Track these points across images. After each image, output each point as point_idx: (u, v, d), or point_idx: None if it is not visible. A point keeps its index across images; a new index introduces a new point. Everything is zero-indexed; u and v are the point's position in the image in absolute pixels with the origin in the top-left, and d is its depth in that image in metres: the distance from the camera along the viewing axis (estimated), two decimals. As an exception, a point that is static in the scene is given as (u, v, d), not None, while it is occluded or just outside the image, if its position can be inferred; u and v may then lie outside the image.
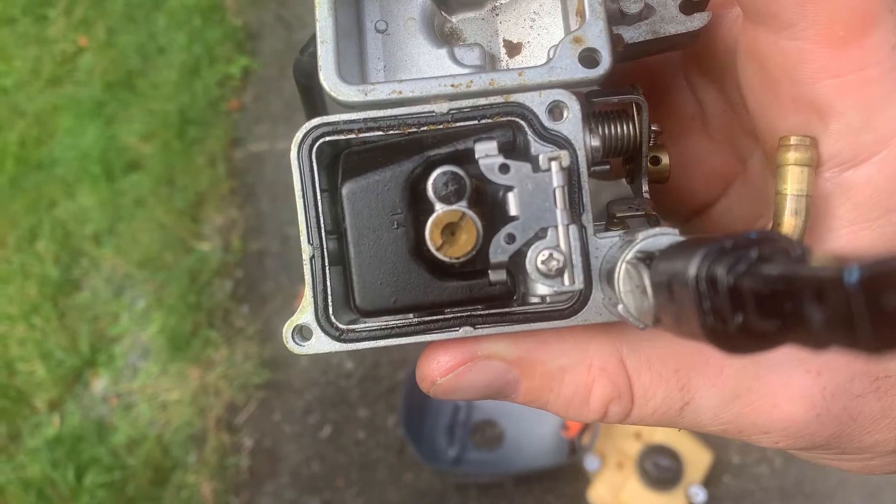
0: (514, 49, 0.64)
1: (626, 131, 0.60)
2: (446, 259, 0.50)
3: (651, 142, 0.61)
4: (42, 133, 3.56)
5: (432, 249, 0.50)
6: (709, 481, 2.72)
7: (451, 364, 0.57)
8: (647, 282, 0.43)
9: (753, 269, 0.32)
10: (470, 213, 0.49)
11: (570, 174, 0.53)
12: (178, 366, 3.10)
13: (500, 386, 0.58)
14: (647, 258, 0.45)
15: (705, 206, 0.72)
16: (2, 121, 3.61)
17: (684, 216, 0.76)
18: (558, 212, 0.50)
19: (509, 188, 0.51)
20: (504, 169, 0.51)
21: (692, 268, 0.34)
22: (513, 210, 0.51)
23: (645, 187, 0.62)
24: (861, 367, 0.54)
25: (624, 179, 0.67)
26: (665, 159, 0.64)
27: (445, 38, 0.65)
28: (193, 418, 3.03)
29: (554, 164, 0.50)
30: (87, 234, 3.33)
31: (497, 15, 0.65)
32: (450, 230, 0.49)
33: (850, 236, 0.51)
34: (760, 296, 0.31)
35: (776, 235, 0.34)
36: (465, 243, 0.49)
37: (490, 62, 0.63)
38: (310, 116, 0.57)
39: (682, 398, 0.56)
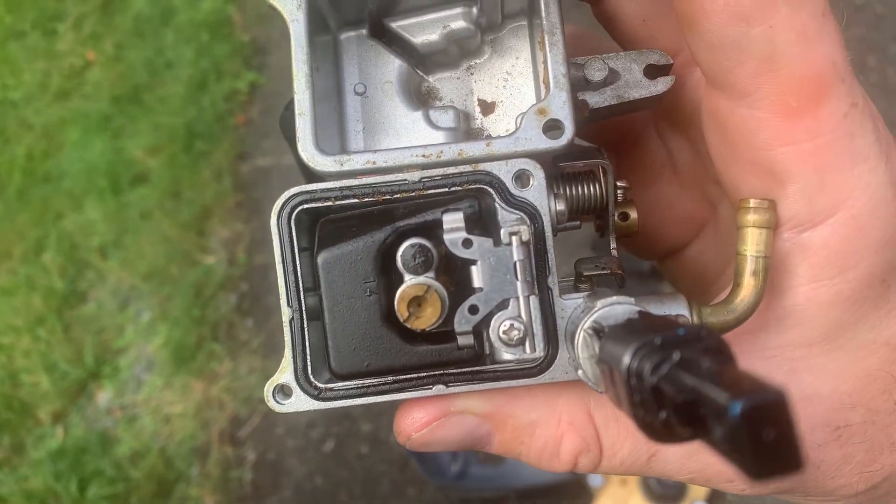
0: (487, 108, 0.67)
1: (592, 192, 0.63)
2: (414, 329, 0.53)
3: (619, 198, 0.64)
4: (50, 146, 3.58)
5: (401, 320, 0.53)
6: (712, 498, 2.71)
7: (425, 420, 0.60)
8: (598, 355, 0.45)
9: (672, 374, 0.34)
10: (435, 285, 0.52)
11: (536, 239, 0.55)
12: (182, 378, 3.10)
13: (473, 439, 0.61)
14: (601, 330, 0.47)
15: (678, 248, 0.75)
16: (10, 134, 3.64)
17: (658, 256, 0.78)
18: (519, 284, 0.53)
19: (473, 262, 0.53)
20: (467, 244, 0.53)
21: (625, 359, 0.37)
22: (476, 282, 0.53)
23: (613, 244, 0.64)
24: (822, 419, 0.56)
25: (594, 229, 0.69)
26: (633, 214, 0.66)
27: (422, 97, 0.67)
28: (197, 431, 3.03)
29: (514, 239, 0.52)
30: (93, 246, 3.34)
31: (472, 74, 0.67)
32: (416, 302, 0.52)
33: (808, 293, 0.54)
34: (677, 401, 0.33)
35: (704, 334, 0.36)
36: (430, 315, 0.52)
37: (465, 120, 0.65)
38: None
39: (649, 450, 0.59)
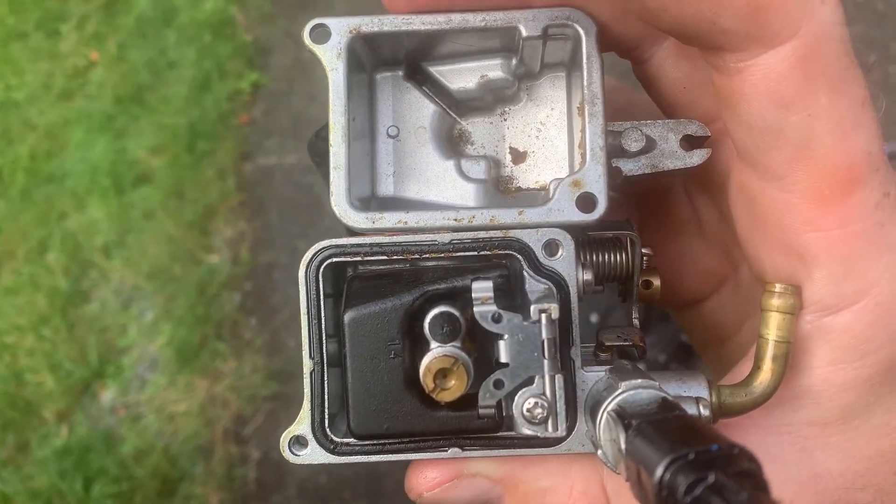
0: (519, 157, 0.66)
1: (618, 260, 0.63)
2: (439, 401, 0.53)
3: (643, 266, 0.64)
4: (53, 146, 3.58)
5: (426, 391, 0.53)
6: None
7: (437, 480, 0.60)
8: (623, 446, 0.45)
9: (705, 496, 0.35)
10: (463, 357, 0.52)
11: (562, 309, 0.55)
12: (186, 377, 3.11)
13: (484, 501, 0.61)
14: (625, 418, 0.47)
15: (698, 301, 0.75)
16: (13, 134, 3.64)
17: (675, 307, 0.79)
18: (546, 362, 0.52)
19: (500, 336, 0.53)
20: (497, 318, 0.52)
21: (658, 470, 0.37)
22: (503, 357, 0.53)
23: (635, 314, 0.65)
24: (831, 497, 0.57)
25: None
26: (656, 282, 0.66)
27: (454, 140, 0.67)
28: (201, 429, 3.04)
29: (544, 317, 0.52)
30: (96, 246, 3.35)
31: (505, 120, 0.67)
32: (442, 374, 0.52)
33: (826, 375, 0.55)
34: None
35: (736, 453, 0.36)
36: (456, 388, 0.52)
37: (494, 167, 0.65)
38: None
39: None
